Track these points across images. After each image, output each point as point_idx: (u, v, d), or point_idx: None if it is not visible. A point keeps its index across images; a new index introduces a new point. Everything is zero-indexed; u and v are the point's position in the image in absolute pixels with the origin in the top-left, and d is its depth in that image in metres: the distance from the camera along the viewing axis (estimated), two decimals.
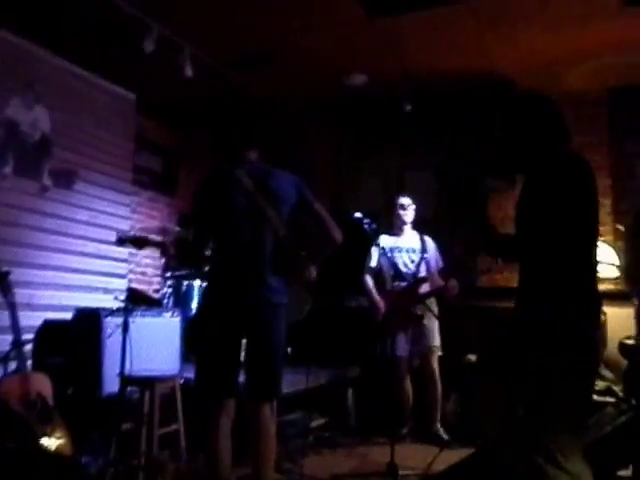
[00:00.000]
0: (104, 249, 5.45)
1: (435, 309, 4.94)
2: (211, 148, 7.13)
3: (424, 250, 5.02)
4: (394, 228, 5.12)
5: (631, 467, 3.29)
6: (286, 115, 6.30)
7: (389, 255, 4.97)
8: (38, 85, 4.89)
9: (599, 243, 5.20)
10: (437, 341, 4.91)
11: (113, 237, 5.47)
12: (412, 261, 4.99)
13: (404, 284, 4.92)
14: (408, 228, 5.09)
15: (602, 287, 5.30)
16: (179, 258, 3.77)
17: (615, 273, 5.44)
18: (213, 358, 2.96)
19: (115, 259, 5.61)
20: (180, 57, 4.95)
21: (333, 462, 4.25)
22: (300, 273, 3.09)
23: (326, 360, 5.03)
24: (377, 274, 5.02)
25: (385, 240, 5.01)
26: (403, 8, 4.55)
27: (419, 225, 5.15)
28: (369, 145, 6.71)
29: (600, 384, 4.58)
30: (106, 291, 5.29)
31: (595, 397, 4.33)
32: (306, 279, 3.12)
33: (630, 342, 4.53)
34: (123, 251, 5.71)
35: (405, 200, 5.06)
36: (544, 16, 4.60)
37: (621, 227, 5.51)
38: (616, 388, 4.56)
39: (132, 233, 4.97)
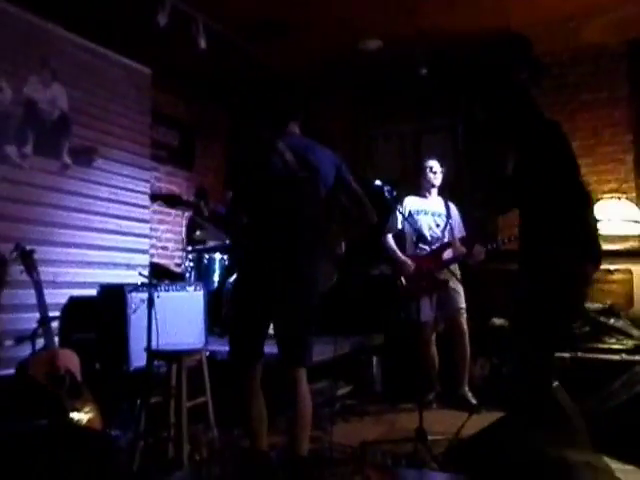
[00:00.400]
0: (125, 225, 5.46)
1: (458, 273, 4.92)
2: (230, 120, 7.14)
3: (449, 215, 4.98)
4: (421, 190, 5.06)
5: None
6: (301, 84, 6.23)
7: (414, 217, 4.92)
8: (54, 62, 4.85)
9: (619, 201, 5.21)
10: (464, 303, 4.89)
11: (134, 213, 5.56)
12: (437, 225, 4.96)
13: (427, 248, 4.88)
14: (435, 192, 5.05)
15: (626, 245, 5.29)
16: (213, 223, 3.72)
17: (639, 230, 5.34)
18: (244, 325, 3.00)
19: (136, 235, 5.62)
20: (194, 29, 4.91)
21: (362, 429, 4.26)
22: (331, 248, 3.10)
23: (350, 328, 5.02)
24: (399, 237, 4.98)
25: (411, 202, 4.97)
26: None
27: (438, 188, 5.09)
28: (384, 111, 6.64)
29: (628, 343, 4.55)
30: (129, 267, 5.32)
31: (624, 356, 4.32)
32: (335, 253, 3.13)
33: None
34: (144, 227, 5.73)
35: (435, 164, 5.00)
36: None
37: None
38: None
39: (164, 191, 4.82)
